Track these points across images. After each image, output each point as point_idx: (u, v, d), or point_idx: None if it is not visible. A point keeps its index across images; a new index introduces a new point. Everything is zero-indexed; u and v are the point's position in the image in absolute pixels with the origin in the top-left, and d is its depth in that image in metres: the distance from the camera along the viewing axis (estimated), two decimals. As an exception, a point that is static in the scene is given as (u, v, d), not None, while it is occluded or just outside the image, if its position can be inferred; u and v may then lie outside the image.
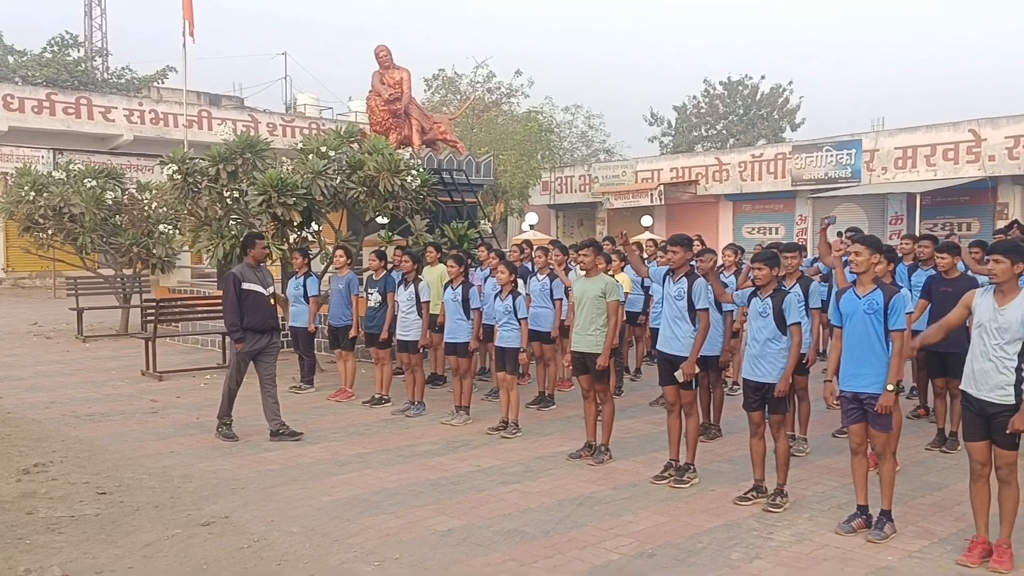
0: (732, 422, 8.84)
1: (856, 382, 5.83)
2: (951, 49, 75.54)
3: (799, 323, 6.36)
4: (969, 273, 8.46)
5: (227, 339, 12.77)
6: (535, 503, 6.56)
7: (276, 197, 11.35)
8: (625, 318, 10.52)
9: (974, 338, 5.29)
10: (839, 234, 12.91)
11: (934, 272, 8.37)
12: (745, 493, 6.58)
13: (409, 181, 12.20)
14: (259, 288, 8.43)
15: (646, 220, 26.07)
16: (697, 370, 7.09)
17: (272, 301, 8.62)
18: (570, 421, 9.27)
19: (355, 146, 13.08)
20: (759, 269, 6.44)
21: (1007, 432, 5.11)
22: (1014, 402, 5.08)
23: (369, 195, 12.27)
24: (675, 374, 6.95)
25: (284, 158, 13.04)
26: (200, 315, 14.16)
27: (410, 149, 14.19)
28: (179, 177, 12.46)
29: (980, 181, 22.41)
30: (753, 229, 29.67)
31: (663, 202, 30.58)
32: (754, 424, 6.54)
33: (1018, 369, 5.10)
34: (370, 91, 14.98)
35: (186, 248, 16.40)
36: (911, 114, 71.61)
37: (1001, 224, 18.11)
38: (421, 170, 12.84)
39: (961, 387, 5.37)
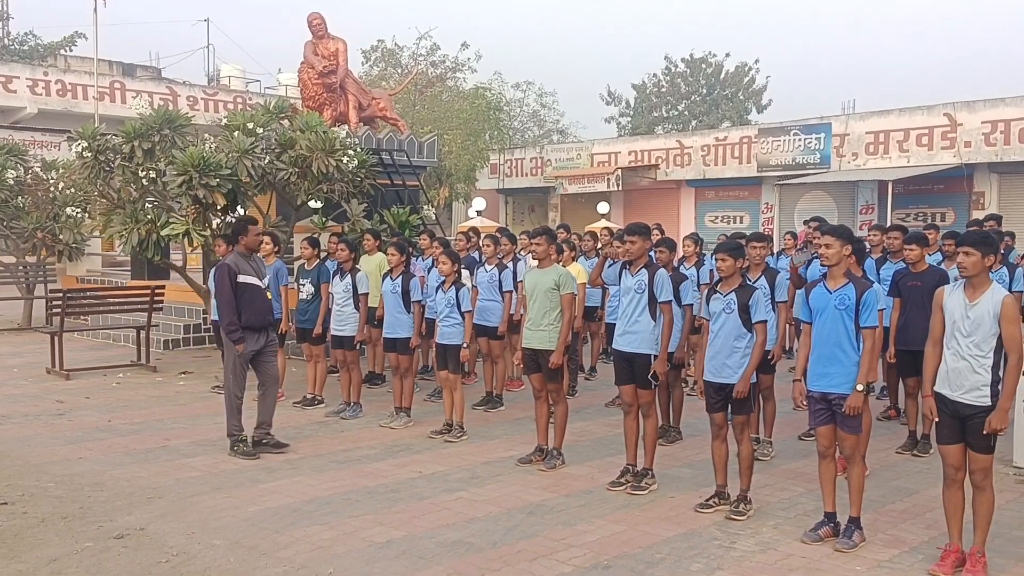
0: (693, 424, 8.95)
1: (824, 381, 5.94)
2: (926, 27, 77.21)
3: (765, 321, 6.46)
4: (942, 266, 8.67)
5: (143, 334, 12.58)
6: (482, 512, 6.56)
7: (198, 178, 11.16)
8: (581, 312, 10.56)
9: (947, 337, 5.42)
10: (804, 223, 13.13)
11: (903, 265, 8.54)
12: (707, 500, 6.67)
13: (345, 162, 12.10)
14: (255, 280, 8.12)
15: (602, 207, 26.13)
16: (668, 368, 7.15)
17: (267, 294, 8.35)
18: (520, 423, 9.30)
19: (286, 123, 12.94)
20: (723, 260, 6.51)
21: (983, 434, 5.25)
22: (990, 403, 5.22)
23: (301, 177, 12.15)
24: (648, 376, 6.98)
25: (206, 135, 12.82)
26: (112, 308, 13.90)
27: (346, 127, 14.07)
28: (89, 155, 12.18)
29: (955, 168, 22.92)
30: (716, 217, 29.98)
31: (621, 188, 30.73)
32: (716, 426, 6.62)
33: (994, 368, 5.23)
34: (302, 63, 14.79)
35: (96, 234, 16.05)
36: (884, 97, 73.08)
37: (977, 215, 18.60)
38: (358, 150, 12.76)
39: (935, 388, 5.50)
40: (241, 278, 8.00)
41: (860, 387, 5.83)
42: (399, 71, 31.95)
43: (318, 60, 14.48)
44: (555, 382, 7.76)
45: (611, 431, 8.86)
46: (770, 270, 8.15)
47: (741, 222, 28.81)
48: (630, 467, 7.23)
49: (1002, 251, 9.50)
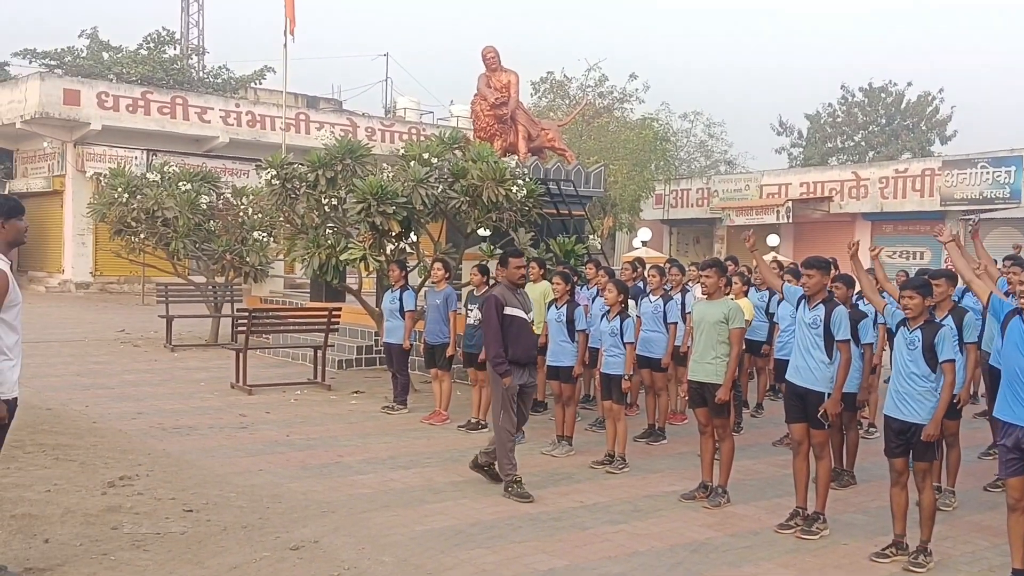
0: (867, 468, 8.54)
1: (1019, 419, 5.55)
2: None
3: (953, 360, 6.12)
4: None
5: (319, 354, 13.14)
6: (644, 546, 6.48)
7: (376, 205, 11.61)
8: (746, 347, 10.32)
9: None
10: (996, 261, 12.36)
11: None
12: (883, 549, 6.35)
13: (514, 191, 12.30)
14: (521, 313, 7.90)
15: (772, 239, 25.50)
16: (840, 408, 6.89)
17: (534, 328, 8.16)
18: (683, 458, 9.14)
19: (458, 153, 13.27)
20: (910, 298, 6.22)
21: None
22: None
23: (472, 205, 12.43)
24: (819, 415, 6.76)
25: (384, 164, 13.33)
26: (292, 327, 14.59)
27: (516, 157, 14.32)
28: (277, 183, 12.89)
29: None
30: (895, 252, 28.73)
31: (791, 220, 29.95)
32: (896, 472, 6.31)
33: None
34: (475, 95, 15.22)
35: (280, 257, 16.93)
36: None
37: None
38: (527, 180, 12.94)
39: None
40: (508, 310, 7.80)
41: None
42: (567, 102, 32.32)
43: (491, 92, 14.84)
44: (721, 417, 7.59)
45: (779, 471, 8.58)
46: (957, 309, 7.73)
47: (921, 258, 27.51)
48: (800, 510, 6.97)
49: None
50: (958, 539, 6.82)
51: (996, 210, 24.49)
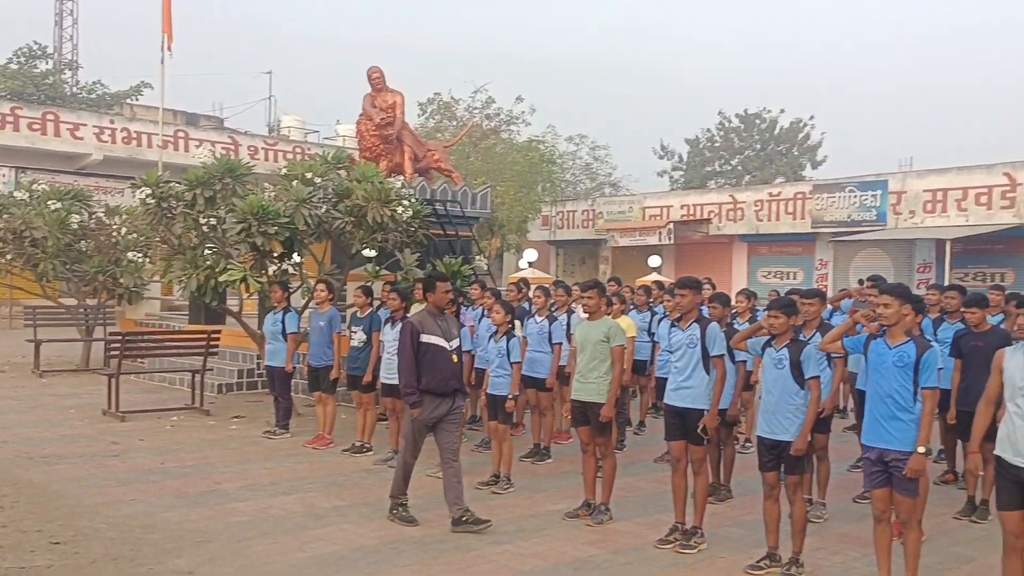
0: (744, 483, 8.80)
1: (883, 440, 5.82)
2: (985, 85, 76.45)
3: (818, 376, 6.37)
4: (1001, 327, 8.50)
5: (197, 378, 12.77)
6: (527, 565, 6.51)
7: (256, 226, 11.39)
8: (630, 366, 10.51)
9: (1007, 400, 5.30)
10: (860, 281, 12.96)
11: (962, 326, 8.40)
12: (757, 561, 6.54)
13: (400, 212, 12.27)
14: (441, 342, 7.46)
15: (653, 260, 26.11)
16: (718, 423, 7.08)
17: (454, 358, 7.62)
18: (567, 476, 9.22)
19: (343, 173, 13.16)
20: (775, 317, 6.46)
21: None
22: (1053, 469, 5.08)
23: (356, 226, 12.33)
24: (698, 430, 6.93)
25: (266, 184, 13.10)
26: (169, 351, 14.14)
27: (402, 178, 14.28)
28: (152, 202, 12.50)
29: (1016, 228, 22.56)
30: (769, 273, 29.79)
31: (672, 241, 30.73)
32: (768, 485, 6.52)
33: (1059, 433, 5.10)
34: (360, 115, 15.13)
35: (156, 278, 16.42)
36: (942, 155, 72.31)
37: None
38: (413, 200, 12.93)
39: (996, 452, 5.37)
40: (424, 338, 7.40)
41: (922, 449, 5.72)
42: (454, 123, 32.45)
43: (376, 112, 14.78)
44: (603, 436, 7.70)
45: (660, 487, 8.74)
46: (824, 325, 8.05)
47: (795, 278, 28.58)
48: (679, 525, 7.12)
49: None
50: (828, 549, 7.08)
51: (864, 232, 25.66)
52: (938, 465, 9.68)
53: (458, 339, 7.69)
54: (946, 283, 11.12)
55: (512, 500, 8.38)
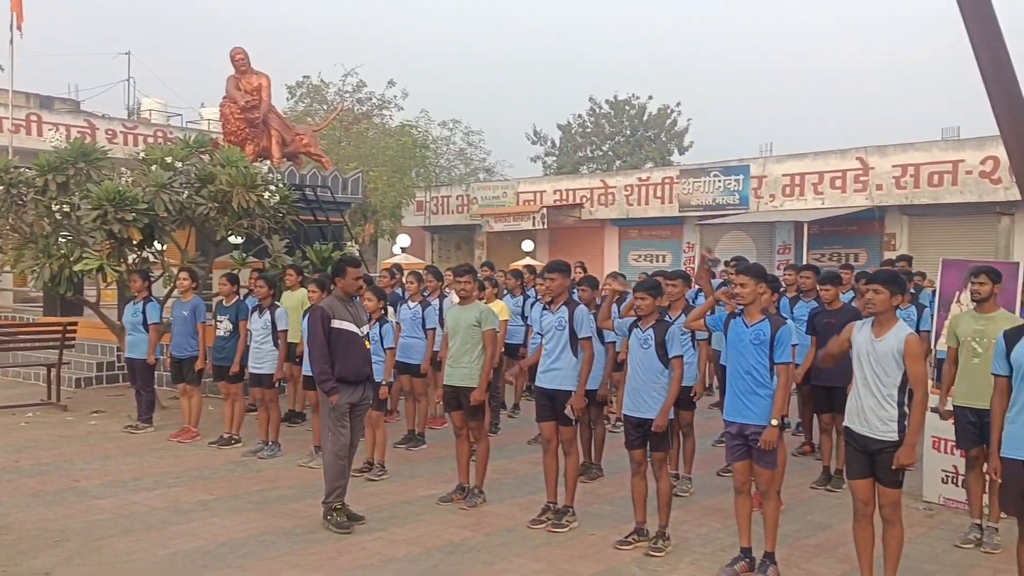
0: (614, 461, 8.99)
1: (742, 415, 6.03)
2: (840, 73, 79.98)
3: (680, 356, 6.55)
4: (853, 304, 8.92)
5: (53, 372, 12.19)
6: (400, 552, 6.49)
7: (113, 212, 10.93)
8: (504, 350, 10.59)
9: (856, 372, 5.57)
10: (725, 263, 13.40)
11: (816, 304, 8.78)
12: (626, 537, 6.69)
13: (267, 197, 12.00)
14: (352, 327, 7.20)
15: (527, 245, 26.32)
16: (585, 403, 7.20)
17: (367, 344, 7.38)
18: (442, 462, 9.23)
19: (206, 157, 12.79)
20: (641, 299, 6.59)
21: (891, 469, 5.39)
22: (897, 438, 5.37)
23: (221, 212, 11.99)
24: (565, 411, 7.02)
25: (124, 169, 12.58)
26: (22, 345, 13.44)
27: (268, 162, 13.95)
28: (1, 188, 11.86)
29: (867, 211, 23.71)
30: (640, 256, 30.44)
31: (546, 226, 31.01)
32: (635, 463, 6.67)
33: (899, 404, 5.39)
34: (224, 97, 14.67)
35: (7, 268, 15.54)
36: (801, 140, 75.35)
37: (889, 255, 19.21)
38: (280, 185, 12.67)
39: (844, 423, 5.64)
40: (335, 323, 7.12)
41: (775, 421, 5.94)
42: (324, 107, 31.86)
43: (240, 95, 14.37)
44: (476, 419, 7.74)
45: (533, 469, 8.84)
46: (689, 307, 8.27)
47: (664, 261, 29.28)
48: (551, 505, 7.22)
49: (911, 290, 9.83)
50: (694, 523, 7.31)
51: (728, 216, 26.49)
52: (796, 438, 10.13)
53: (367, 325, 7.49)
54: (804, 264, 11.60)
55: (386, 487, 8.33)
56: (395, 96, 33.43)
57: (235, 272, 10.84)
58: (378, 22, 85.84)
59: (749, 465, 6.10)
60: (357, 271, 7.44)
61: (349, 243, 15.45)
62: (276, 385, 9.67)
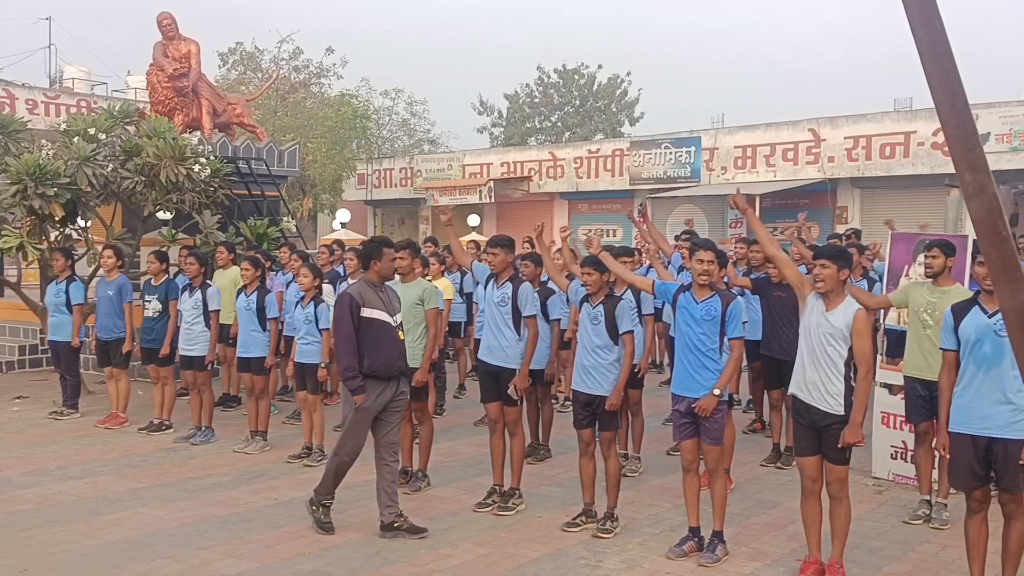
0: (563, 441, 9.06)
1: (690, 390, 6.12)
2: (792, 41, 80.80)
3: (631, 332, 6.61)
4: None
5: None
6: (340, 539, 6.49)
7: (33, 187, 10.70)
8: (448, 329, 10.58)
9: (802, 345, 5.69)
10: (675, 237, 13.53)
11: (765, 277, 8.91)
12: (574, 519, 6.77)
13: (197, 170, 11.83)
14: (385, 316, 6.64)
15: (473, 219, 26.34)
16: (529, 383, 7.23)
17: (400, 335, 6.85)
18: (384, 445, 9.22)
19: (132, 128, 12.56)
20: (588, 274, 6.63)
21: (838, 446, 5.51)
22: (843, 412, 5.49)
23: (148, 186, 11.79)
24: (508, 391, 7.06)
25: (45, 141, 12.29)
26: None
27: (199, 133, 13.74)
28: (-91, 162, 11.53)
29: (820, 183, 24.08)
30: (590, 230, 30.57)
31: (493, 200, 30.99)
32: (584, 442, 6.73)
33: (846, 378, 5.51)
34: (151, 65, 14.37)
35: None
36: (753, 111, 76.05)
37: (841, 228, 19.54)
38: (212, 158, 12.50)
39: (791, 390, 5.76)
40: (365, 311, 6.54)
41: (717, 391, 6.03)
42: (259, 76, 31.40)
43: (168, 62, 14.09)
44: (420, 401, 7.74)
45: (479, 451, 8.89)
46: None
47: (614, 235, 29.45)
48: (497, 487, 7.27)
49: (862, 264, 10.00)
50: (643, 503, 7.41)
51: (680, 188, 26.72)
52: (747, 415, 10.30)
53: (399, 313, 6.92)
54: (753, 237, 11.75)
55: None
56: (334, 64, 33.10)
57: (164, 249, 10.69)
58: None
59: (697, 443, 6.19)
60: (393, 252, 6.90)
61: (286, 218, 15.31)
62: (209, 368, 9.56)
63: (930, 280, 6.96)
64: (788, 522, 6.84)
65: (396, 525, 6.59)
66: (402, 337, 6.88)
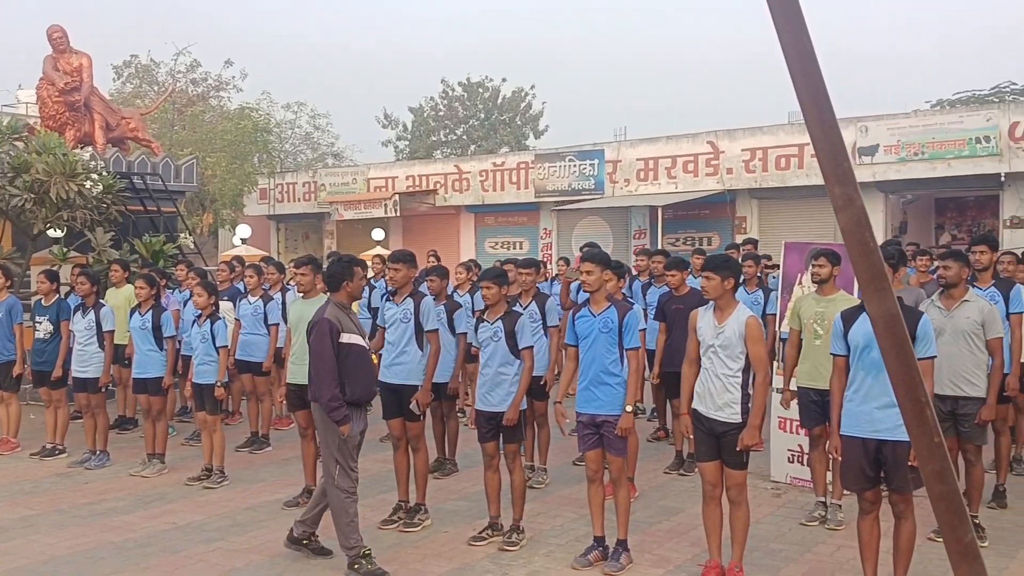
0: (469, 455, 9.05)
1: (593, 404, 6.19)
2: (691, 57, 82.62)
3: (531, 347, 6.66)
4: (699, 288, 9.27)
5: None
6: (242, 561, 6.37)
7: (-88, 205, 10.25)
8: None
9: (702, 357, 5.80)
10: (580, 248, 13.67)
11: (667, 289, 9.08)
12: (480, 532, 6.77)
13: (89, 187, 11.52)
14: (360, 340, 6.39)
15: (377, 233, 26.13)
16: (432, 398, 7.21)
17: (375, 358, 6.60)
18: (288, 464, 9.09)
19: (20, 144, 12.14)
20: (487, 288, 6.65)
21: (736, 451, 5.64)
22: (740, 420, 5.62)
23: (38, 203, 11.43)
24: (410, 406, 7.03)
25: (-74, 157, 11.81)
26: None
27: (91, 149, 13.36)
28: None
29: (719, 194, 24.62)
30: (496, 243, 30.67)
31: (398, 213, 30.83)
32: (488, 456, 6.75)
33: (743, 386, 5.65)
34: (41, 79, 13.93)
35: None
36: (654, 124, 77.49)
37: (740, 238, 20.02)
38: (104, 173, 12.18)
39: (693, 406, 5.87)
40: (344, 337, 6.25)
41: (629, 408, 6.12)
42: (155, 89, 30.72)
43: (59, 76, 13.68)
44: (324, 419, 7.63)
45: (384, 467, 8.80)
46: (540, 295, 8.42)
47: (521, 248, 29.59)
48: (402, 503, 7.23)
49: (759, 275, 10.27)
50: (548, 514, 7.45)
51: (584, 201, 27.01)
52: (651, 424, 10.46)
53: (366, 334, 6.74)
54: (656, 249, 11.98)
55: (227, 494, 8.14)
56: (233, 77, 32.58)
57: (55, 268, 10.38)
58: (213, 2, 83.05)
59: (601, 454, 6.26)
60: (363, 271, 6.61)
61: (183, 234, 14.98)
62: (103, 390, 9.28)
63: (815, 289, 7.19)
64: (691, 528, 6.96)
65: (304, 542, 6.48)
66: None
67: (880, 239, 19.69)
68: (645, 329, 7.09)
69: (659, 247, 23.42)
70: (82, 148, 13.14)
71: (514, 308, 6.98)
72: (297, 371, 7.61)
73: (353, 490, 6.31)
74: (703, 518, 5.94)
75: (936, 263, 9.59)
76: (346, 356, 6.23)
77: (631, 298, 8.89)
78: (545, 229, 29.14)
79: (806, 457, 7.86)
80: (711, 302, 5.85)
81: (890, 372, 1.81)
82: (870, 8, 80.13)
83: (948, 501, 1.76)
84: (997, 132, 19.71)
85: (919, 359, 5.50)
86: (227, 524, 7.22)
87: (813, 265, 7.11)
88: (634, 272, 10.04)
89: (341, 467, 6.28)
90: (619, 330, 6.14)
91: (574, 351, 6.35)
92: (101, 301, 9.46)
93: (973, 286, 7.06)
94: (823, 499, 7.21)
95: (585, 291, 6.32)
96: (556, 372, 9.54)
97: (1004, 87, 30.88)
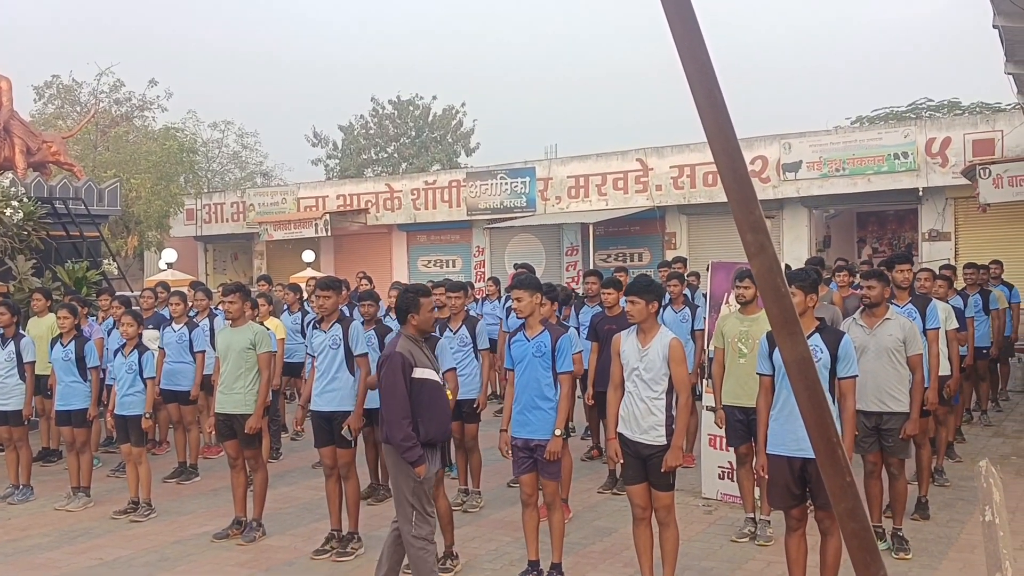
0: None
1: (526, 429, 6.21)
2: (618, 77, 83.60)
3: (453, 369, 6.66)
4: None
5: None
6: (171, 598, 6.24)
7: None
8: (283, 369, 10.39)
9: (626, 380, 5.86)
10: (515, 267, 13.72)
11: (599, 309, 9.15)
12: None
13: (9, 214, 11.22)
14: (434, 375, 5.97)
15: (307, 255, 25.90)
16: (364, 423, 7.16)
17: (449, 394, 6.21)
18: (217, 494, 8.94)
19: (-65, 170, 11.78)
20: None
21: (662, 472, 5.70)
22: (665, 442, 5.69)
23: (-45, 231, 11.10)
24: (342, 431, 6.98)
25: None
26: None
27: (11, 174, 13.04)
28: None
29: (649, 211, 24.92)
30: (429, 262, 30.61)
31: (329, 233, 30.58)
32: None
33: (667, 408, 5.72)
34: (-44, 102, 13.59)
35: None
36: (584, 141, 78.21)
37: (671, 254, 20.28)
38: (25, 200, 11.87)
39: (618, 429, 5.92)
40: (418, 372, 5.85)
41: (558, 431, 6.16)
42: (78, 110, 30.11)
43: (-25, 99, 13.34)
44: (252, 448, 7.55)
45: (317, 494, 8.68)
46: (470, 318, 8.42)
47: (454, 266, 29.56)
48: (335, 532, 7.16)
49: (686, 291, 10.42)
50: (483, 538, 7.44)
51: (516, 218, 27.12)
52: (584, 443, 10.51)
53: (437, 366, 6.26)
54: (591, 266, 12.07)
55: (154, 527, 7.97)
56: (158, 96, 32.09)
57: (-28, 298, 10.04)
58: (136, 17, 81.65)
59: (535, 477, 6.28)
60: (431, 301, 6.20)
61: (107, 260, 14.68)
62: (25, 423, 9.03)
63: (738, 309, 7.32)
64: (624, 548, 7.00)
65: None
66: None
67: (805, 253, 20.19)
68: (580, 351, 7.14)
69: (591, 264, 23.67)
70: (2, 174, 12.82)
71: (440, 335, 6.97)
72: (226, 400, 7.51)
73: (432, 537, 5.87)
74: (634, 540, 5.98)
75: (858, 279, 9.83)
76: (419, 392, 5.84)
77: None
78: (478, 247, 29.17)
79: (735, 473, 7.98)
80: (634, 325, 5.91)
81: (803, 414, 1.86)
82: (790, 26, 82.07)
83: (860, 539, 1.81)
84: (914, 148, 20.31)
85: (840, 379, 5.67)
86: (155, 559, 7.08)
87: (737, 286, 7.23)
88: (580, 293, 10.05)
89: (418, 512, 5.80)
90: (552, 354, 6.17)
91: (513, 375, 6.38)
92: (21, 332, 9.22)
93: (891, 303, 7.26)
94: (752, 515, 7.31)
95: (518, 317, 6.34)
96: (491, 393, 9.58)
97: (920, 103, 31.85)
